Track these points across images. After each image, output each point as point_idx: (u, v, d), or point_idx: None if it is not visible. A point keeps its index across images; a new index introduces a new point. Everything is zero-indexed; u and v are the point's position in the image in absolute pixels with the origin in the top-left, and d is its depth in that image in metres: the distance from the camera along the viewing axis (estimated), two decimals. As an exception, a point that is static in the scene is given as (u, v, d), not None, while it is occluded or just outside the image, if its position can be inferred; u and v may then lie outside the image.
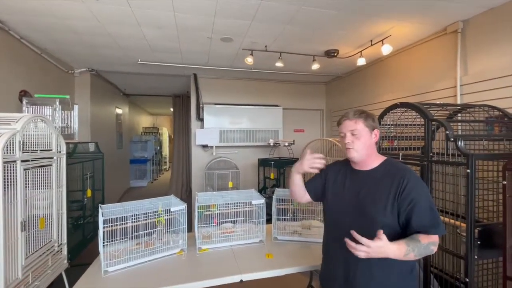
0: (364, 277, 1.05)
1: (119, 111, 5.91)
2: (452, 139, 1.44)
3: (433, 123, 1.62)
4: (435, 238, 0.99)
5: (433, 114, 1.67)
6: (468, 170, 1.35)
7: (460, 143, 1.41)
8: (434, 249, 0.99)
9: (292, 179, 1.29)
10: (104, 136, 4.75)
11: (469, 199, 1.35)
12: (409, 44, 2.94)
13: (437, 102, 1.96)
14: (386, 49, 2.70)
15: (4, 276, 1.25)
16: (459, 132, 2.08)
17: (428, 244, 0.97)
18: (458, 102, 2.35)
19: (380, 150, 2.02)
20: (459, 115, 2.05)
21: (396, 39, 2.76)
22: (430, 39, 2.70)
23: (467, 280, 1.37)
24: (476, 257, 1.37)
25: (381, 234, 0.90)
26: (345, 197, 1.14)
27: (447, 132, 1.46)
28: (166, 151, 11.09)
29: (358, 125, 1.10)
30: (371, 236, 0.98)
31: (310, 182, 1.31)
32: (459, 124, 2.06)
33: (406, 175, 1.04)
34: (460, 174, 1.61)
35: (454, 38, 2.43)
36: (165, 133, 11.08)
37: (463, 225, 1.43)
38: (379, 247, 0.89)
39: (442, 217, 1.59)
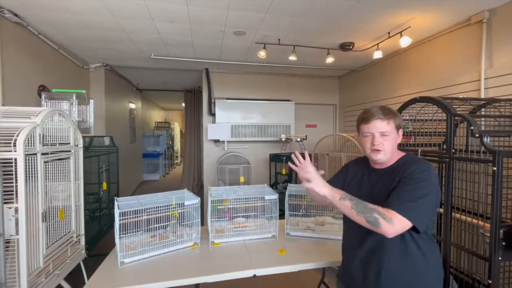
0: (384, 278, 1.01)
1: (132, 106, 6.01)
2: (478, 135, 1.36)
3: (456, 118, 1.54)
4: (388, 213, 0.90)
5: (455, 108, 1.60)
6: (495, 168, 1.28)
7: (486, 140, 1.34)
8: (380, 221, 0.89)
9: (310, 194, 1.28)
10: (118, 130, 4.85)
11: (495, 198, 1.28)
12: (430, 36, 2.81)
13: (460, 97, 1.86)
14: (404, 42, 2.60)
15: (27, 265, 1.30)
16: (482, 128, 1.98)
17: (373, 209, 0.91)
18: (482, 96, 2.24)
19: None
20: (483, 110, 1.95)
21: (415, 30, 2.64)
22: (452, 30, 2.57)
23: (490, 282, 1.31)
24: (500, 258, 1.31)
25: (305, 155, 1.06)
26: (361, 195, 1.10)
27: (472, 127, 1.39)
28: (177, 145, 11.24)
29: (390, 126, 1.03)
30: (382, 236, 0.96)
31: (332, 182, 1.27)
32: (482, 119, 1.96)
33: (411, 164, 0.98)
34: (483, 172, 1.54)
35: (479, 29, 2.30)
36: (177, 128, 11.22)
37: (487, 225, 1.37)
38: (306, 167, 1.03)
39: (463, 216, 1.53)
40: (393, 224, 0.89)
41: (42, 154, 1.44)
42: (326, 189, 0.99)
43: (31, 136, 1.36)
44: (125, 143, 5.32)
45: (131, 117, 5.91)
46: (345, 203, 0.96)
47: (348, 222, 1.20)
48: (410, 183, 0.94)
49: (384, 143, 1.03)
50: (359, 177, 1.16)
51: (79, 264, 1.87)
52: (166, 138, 8.68)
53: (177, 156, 11.23)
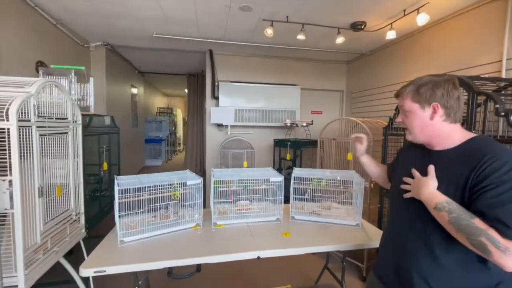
0: (419, 276, 0.86)
1: (134, 90, 5.90)
2: (503, 113, 1.26)
3: (479, 97, 1.44)
4: (503, 240, 0.68)
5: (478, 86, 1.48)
6: (522, 148, 1.18)
7: (513, 118, 1.24)
8: (490, 248, 0.69)
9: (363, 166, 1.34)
10: (120, 113, 4.77)
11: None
12: (448, 15, 2.64)
13: (481, 76, 1.75)
14: (421, 19, 2.43)
15: (23, 240, 1.25)
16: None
17: (480, 230, 0.70)
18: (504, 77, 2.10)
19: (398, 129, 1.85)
20: (503, 92, 1.83)
21: (434, 7, 2.47)
22: (474, 7, 2.40)
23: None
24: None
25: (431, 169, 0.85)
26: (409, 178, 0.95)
27: (497, 105, 1.29)
28: (180, 132, 11.18)
29: (406, 103, 0.90)
30: (427, 226, 0.83)
31: (388, 166, 1.24)
32: (503, 98, 1.84)
33: (489, 156, 0.74)
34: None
35: (504, 5, 2.14)
36: (179, 115, 11.13)
37: None
38: (422, 178, 0.86)
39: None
40: (504, 249, 0.68)
41: (38, 127, 1.37)
42: (428, 190, 0.81)
43: (24, 106, 1.28)
44: (127, 126, 5.26)
45: (133, 101, 5.82)
46: (441, 214, 0.77)
47: (389, 212, 1.06)
48: (505, 191, 0.71)
49: (406, 121, 0.92)
50: (410, 159, 0.99)
51: (79, 244, 1.84)
52: (168, 124, 8.61)
53: (179, 143, 11.19)
